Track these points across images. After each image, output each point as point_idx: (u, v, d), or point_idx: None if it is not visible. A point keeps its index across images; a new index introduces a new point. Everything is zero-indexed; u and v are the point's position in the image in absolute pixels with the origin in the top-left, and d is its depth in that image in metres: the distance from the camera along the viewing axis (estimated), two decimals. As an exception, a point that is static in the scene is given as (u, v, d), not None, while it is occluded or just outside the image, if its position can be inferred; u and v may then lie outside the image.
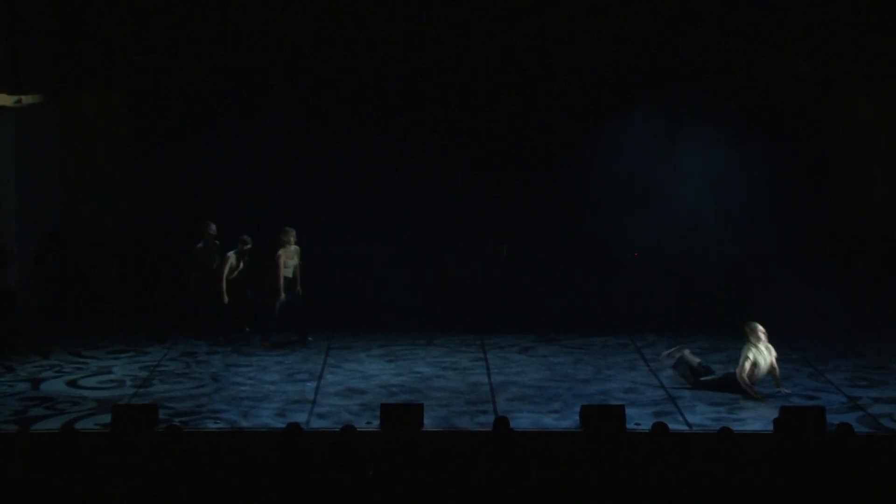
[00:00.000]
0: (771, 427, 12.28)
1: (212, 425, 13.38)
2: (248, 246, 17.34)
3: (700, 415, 13.74)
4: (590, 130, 18.62)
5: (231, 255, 17.28)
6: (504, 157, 19.05)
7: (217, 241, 17.55)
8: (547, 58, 18.52)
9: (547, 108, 18.87)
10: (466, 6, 18.11)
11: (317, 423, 13.43)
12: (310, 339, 17.36)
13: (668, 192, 18.34)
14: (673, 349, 15.53)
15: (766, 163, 18.20)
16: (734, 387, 14.41)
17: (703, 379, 14.76)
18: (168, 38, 18.22)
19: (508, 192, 19.12)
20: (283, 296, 17.03)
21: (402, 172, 18.92)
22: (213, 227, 17.56)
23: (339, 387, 15.08)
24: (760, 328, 14.43)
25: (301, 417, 13.44)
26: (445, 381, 15.41)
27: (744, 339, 14.52)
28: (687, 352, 15.20)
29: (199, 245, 17.59)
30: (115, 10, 18.08)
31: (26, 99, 16.67)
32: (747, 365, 14.33)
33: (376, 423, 12.87)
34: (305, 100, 18.71)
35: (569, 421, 13.48)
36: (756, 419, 13.46)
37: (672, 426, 11.81)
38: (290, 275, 17.11)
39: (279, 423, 13.03)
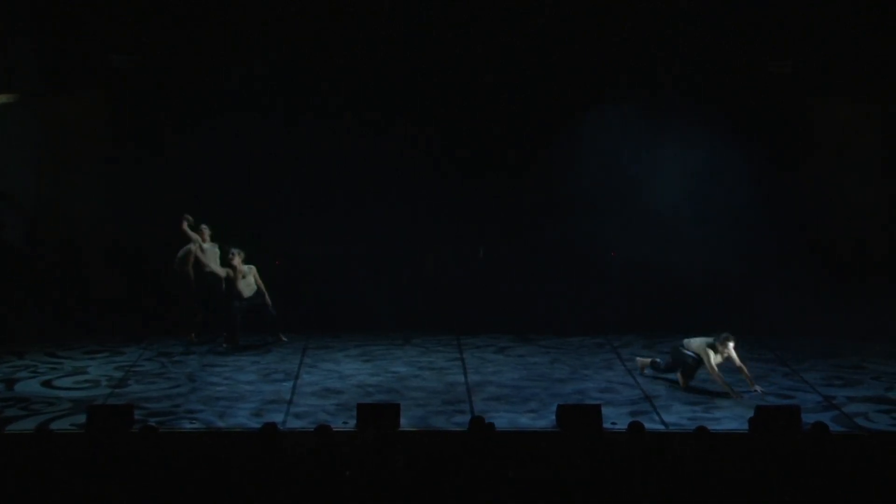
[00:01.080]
0: (746, 426, 12.33)
1: (187, 426, 13.32)
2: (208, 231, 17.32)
3: (676, 414, 13.78)
4: (569, 132, 18.59)
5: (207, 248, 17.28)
6: (483, 158, 18.99)
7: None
8: (528, 61, 18.47)
9: (526, 110, 18.80)
10: (447, 9, 18.06)
11: (293, 424, 13.40)
12: (284, 339, 17.33)
13: (647, 194, 18.37)
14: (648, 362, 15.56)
15: (747, 165, 18.22)
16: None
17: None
18: (146, 39, 18.12)
19: (487, 193, 19.07)
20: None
21: (380, 173, 18.82)
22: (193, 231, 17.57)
23: (316, 387, 15.05)
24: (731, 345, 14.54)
25: (277, 417, 13.41)
26: (422, 380, 15.41)
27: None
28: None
29: (182, 251, 17.55)
30: (95, 11, 17.98)
31: (0, 98, 16.56)
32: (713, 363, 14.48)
33: (353, 423, 12.85)
34: (284, 101, 18.62)
35: (545, 420, 13.51)
36: (732, 418, 13.50)
37: (648, 425, 11.83)
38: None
39: (255, 424, 13.00)
